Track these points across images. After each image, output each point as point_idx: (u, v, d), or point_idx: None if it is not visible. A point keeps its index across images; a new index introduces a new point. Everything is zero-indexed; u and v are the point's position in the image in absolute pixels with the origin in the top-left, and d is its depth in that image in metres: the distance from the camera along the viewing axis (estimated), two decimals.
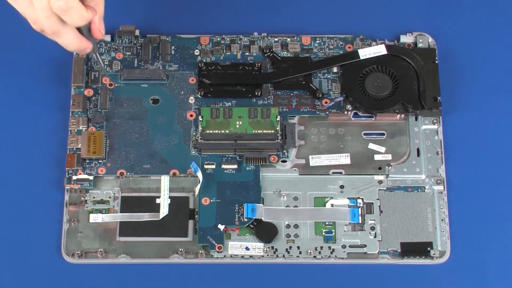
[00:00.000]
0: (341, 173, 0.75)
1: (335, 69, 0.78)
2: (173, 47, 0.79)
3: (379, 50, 0.78)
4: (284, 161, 0.76)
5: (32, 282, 0.72)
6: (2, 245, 0.73)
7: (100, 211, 0.74)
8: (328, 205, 0.74)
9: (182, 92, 0.78)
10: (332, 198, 0.74)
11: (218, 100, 0.77)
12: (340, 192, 0.74)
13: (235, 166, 0.75)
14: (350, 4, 0.82)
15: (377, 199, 0.74)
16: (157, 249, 0.73)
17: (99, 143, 0.75)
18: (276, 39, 0.80)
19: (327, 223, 0.74)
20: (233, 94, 0.77)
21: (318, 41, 0.80)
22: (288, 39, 0.80)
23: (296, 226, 0.73)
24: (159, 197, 0.73)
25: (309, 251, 0.72)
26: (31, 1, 0.63)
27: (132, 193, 0.74)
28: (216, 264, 0.73)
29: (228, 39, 0.80)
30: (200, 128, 0.75)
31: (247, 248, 0.73)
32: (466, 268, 0.73)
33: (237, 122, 0.75)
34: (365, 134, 0.77)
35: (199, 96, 0.77)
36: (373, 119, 0.77)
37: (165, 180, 0.74)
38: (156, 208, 0.73)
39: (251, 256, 0.72)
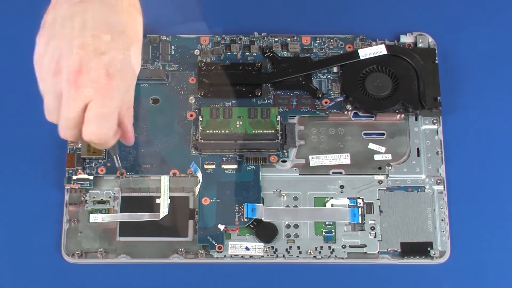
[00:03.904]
0: (341, 173, 0.75)
1: (335, 69, 0.78)
2: (173, 47, 0.79)
3: (379, 50, 0.78)
4: (284, 161, 0.76)
5: (32, 282, 0.72)
6: (2, 245, 0.73)
7: (100, 211, 0.74)
8: (328, 205, 0.74)
9: (182, 92, 0.78)
10: (332, 198, 0.74)
11: (218, 100, 0.77)
12: (340, 192, 0.74)
13: (235, 166, 0.75)
14: (350, 4, 0.82)
15: (377, 199, 0.74)
16: (157, 249, 0.73)
17: None
18: (276, 39, 0.80)
19: (327, 223, 0.74)
20: (233, 94, 0.77)
21: (318, 41, 0.80)
22: (288, 39, 0.80)
23: (296, 226, 0.73)
24: (159, 197, 0.73)
25: (309, 251, 0.72)
26: (58, 107, 0.57)
27: (132, 193, 0.74)
28: (216, 264, 0.73)
29: (228, 39, 0.80)
30: (200, 128, 0.75)
31: (247, 248, 0.73)
32: (466, 268, 0.73)
33: (237, 122, 0.75)
34: (365, 134, 0.77)
35: (199, 96, 0.77)
36: (373, 119, 0.77)
37: (165, 180, 0.74)
38: (156, 208, 0.73)
39: (251, 256, 0.72)
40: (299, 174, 0.75)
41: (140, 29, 0.59)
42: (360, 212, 0.74)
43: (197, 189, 0.74)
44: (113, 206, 0.74)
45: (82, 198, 0.74)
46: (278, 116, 0.76)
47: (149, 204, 0.74)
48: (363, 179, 0.75)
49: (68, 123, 0.57)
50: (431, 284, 0.73)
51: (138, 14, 0.59)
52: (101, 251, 0.72)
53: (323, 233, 0.73)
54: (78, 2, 0.56)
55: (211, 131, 0.75)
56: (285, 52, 0.79)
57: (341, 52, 0.79)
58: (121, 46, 0.56)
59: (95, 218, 0.73)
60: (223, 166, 0.75)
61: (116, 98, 0.57)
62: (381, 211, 0.74)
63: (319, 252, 0.73)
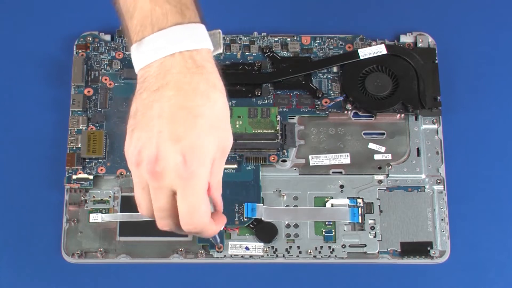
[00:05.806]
0: (341, 172, 0.75)
1: (335, 69, 0.78)
2: None
3: (379, 50, 0.78)
4: (284, 161, 0.76)
5: (32, 282, 0.72)
6: (2, 245, 0.73)
7: (100, 211, 0.74)
8: (328, 205, 0.74)
9: None
10: (332, 197, 0.74)
11: None
12: (340, 191, 0.74)
13: (235, 166, 0.75)
14: (350, 4, 0.82)
15: (377, 198, 0.74)
16: (157, 249, 0.73)
17: (99, 142, 0.74)
18: (276, 39, 0.80)
19: (327, 222, 0.74)
20: (233, 93, 0.77)
21: (318, 41, 0.80)
22: (288, 39, 0.80)
23: (296, 226, 0.73)
24: None
25: (309, 251, 0.72)
26: (146, 198, 0.57)
27: (132, 192, 0.74)
28: (216, 264, 0.73)
29: (228, 39, 0.80)
30: None
31: (247, 248, 0.73)
32: (466, 268, 0.73)
33: (237, 122, 0.75)
34: (365, 133, 0.77)
35: None
36: (373, 118, 0.77)
37: None
38: None
39: (251, 256, 0.72)
40: (299, 174, 0.75)
41: (221, 109, 0.56)
42: (360, 212, 0.74)
43: None
44: (113, 206, 0.74)
45: (82, 198, 0.74)
46: (278, 116, 0.76)
47: None
48: (363, 179, 0.75)
49: (160, 213, 0.56)
50: (431, 284, 0.73)
51: (219, 95, 0.56)
52: (101, 251, 0.72)
53: (323, 233, 0.73)
54: (155, 90, 0.54)
55: None
56: (285, 52, 0.79)
57: (341, 52, 0.79)
58: (198, 130, 0.54)
59: (95, 218, 0.73)
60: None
61: (198, 183, 0.54)
62: (381, 211, 0.74)
63: (319, 252, 0.73)
